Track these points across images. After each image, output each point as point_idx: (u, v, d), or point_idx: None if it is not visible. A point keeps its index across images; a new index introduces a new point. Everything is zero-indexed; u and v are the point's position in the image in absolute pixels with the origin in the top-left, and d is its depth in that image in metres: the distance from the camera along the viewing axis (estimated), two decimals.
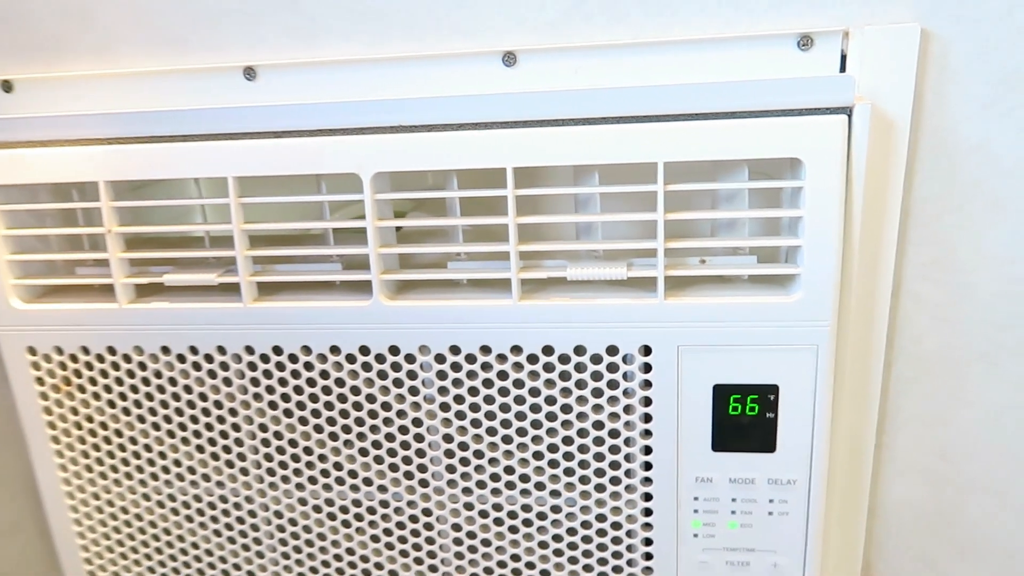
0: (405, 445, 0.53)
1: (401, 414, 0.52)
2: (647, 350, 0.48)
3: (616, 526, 0.52)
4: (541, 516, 0.53)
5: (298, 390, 0.52)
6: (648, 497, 0.51)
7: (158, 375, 0.53)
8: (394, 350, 0.50)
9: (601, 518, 0.52)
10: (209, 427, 0.54)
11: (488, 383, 0.50)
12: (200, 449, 0.55)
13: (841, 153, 0.43)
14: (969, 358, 0.52)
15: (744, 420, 0.48)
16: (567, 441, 0.51)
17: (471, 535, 0.54)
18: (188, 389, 0.53)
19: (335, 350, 0.51)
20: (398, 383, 0.51)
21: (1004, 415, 0.53)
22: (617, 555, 0.53)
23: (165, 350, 0.52)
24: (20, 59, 0.53)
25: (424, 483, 0.53)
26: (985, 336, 0.51)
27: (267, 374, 0.52)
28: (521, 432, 0.51)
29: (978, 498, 0.56)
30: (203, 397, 0.53)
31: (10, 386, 0.55)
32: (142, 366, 0.53)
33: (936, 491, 0.56)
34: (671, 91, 0.44)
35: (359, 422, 0.52)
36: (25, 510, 0.68)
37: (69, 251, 0.54)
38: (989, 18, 0.44)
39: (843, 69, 0.46)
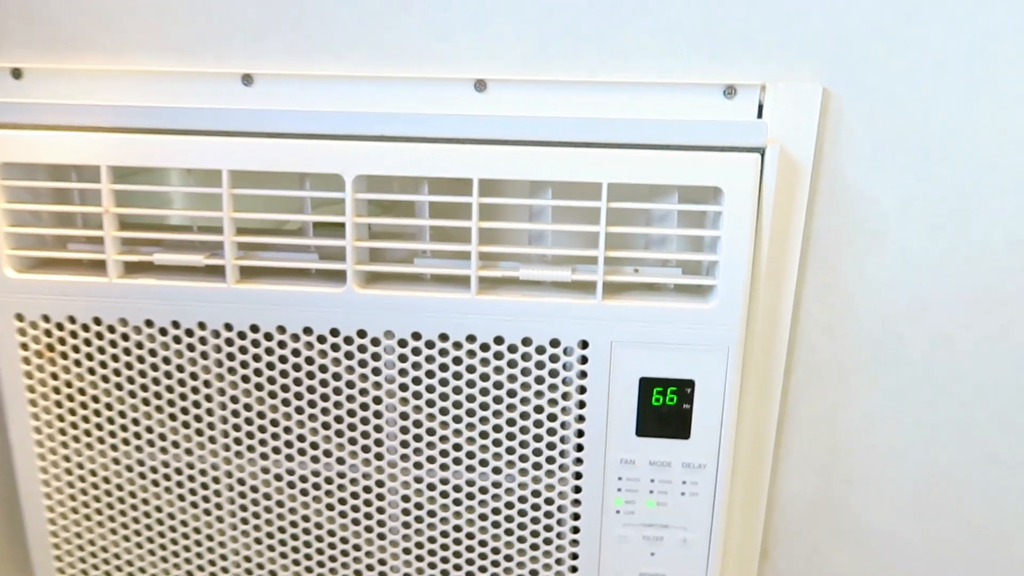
0: (364, 420, 0.58)
1: (363, 392, 0.58)
2: (585, 344, 0.55)
3: (549, 501, 0.59)
4: (483, 490, 0.59)
5: (270, 366, 0.58)
6: (579, 476, 0.58)
7: (139, 346, 0.58)
8: (362, 333, 0.56)
9: (536, 494, 0.59)
10: (183, 397, 0.59)
11: (444, 367, 0.57)
12: (172, 417, 0.60)
13: (754, 185, 0.52)
14: (853, 368, 0.61)
15: (664, 410, 0.56)
16: (510, 423, 0.58)
17: (418, 506, 0.60)
18: (167, 361, 0.58)
19: (308, 331, 0.57)
20: (363, 364, 0.57)
21: (881, 418, 0.62)
22: (548, 528, 0.60)
23: (149, 323, 0.57)
24: (32, 49, 0.58)
25: (379, 456, 0.59)
26: (866, 350, 0.60)
27: (243, 350, 0.57)
28: (470, 413, 0.57)
29: (859, 491, 0.65)
30: (180, 369, 0.58)
31: None
32: (125, 337, 0.58)
33: (824, 484, 0.65)
34: (617, 124, 0.52)
35: (324, 398, 0.58)
36: None
37: (61, 228, 0.59)
38: (878, 86, 0.54)
39: (760, 116, 0.55)
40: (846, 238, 0.58)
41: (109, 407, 0.60)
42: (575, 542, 0.60)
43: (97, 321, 0.58)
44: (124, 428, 0.60)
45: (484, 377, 0.56)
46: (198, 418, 0.59)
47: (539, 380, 0.56)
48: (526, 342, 0.55)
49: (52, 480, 0.62)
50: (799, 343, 0.61)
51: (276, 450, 0.60)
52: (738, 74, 0.54)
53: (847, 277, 0.59)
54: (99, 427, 0.60)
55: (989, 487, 0.63)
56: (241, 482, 0.61)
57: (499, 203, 0.54)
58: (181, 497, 0.62)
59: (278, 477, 0.61)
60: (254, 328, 0.57)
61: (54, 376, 0.59)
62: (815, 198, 0.57)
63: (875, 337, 0.60)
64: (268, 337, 0.57)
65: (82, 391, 0.59)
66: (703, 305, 0.54)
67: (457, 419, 0.58)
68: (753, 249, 0.53)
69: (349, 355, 0.57)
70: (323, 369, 0.57)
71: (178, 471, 0.61)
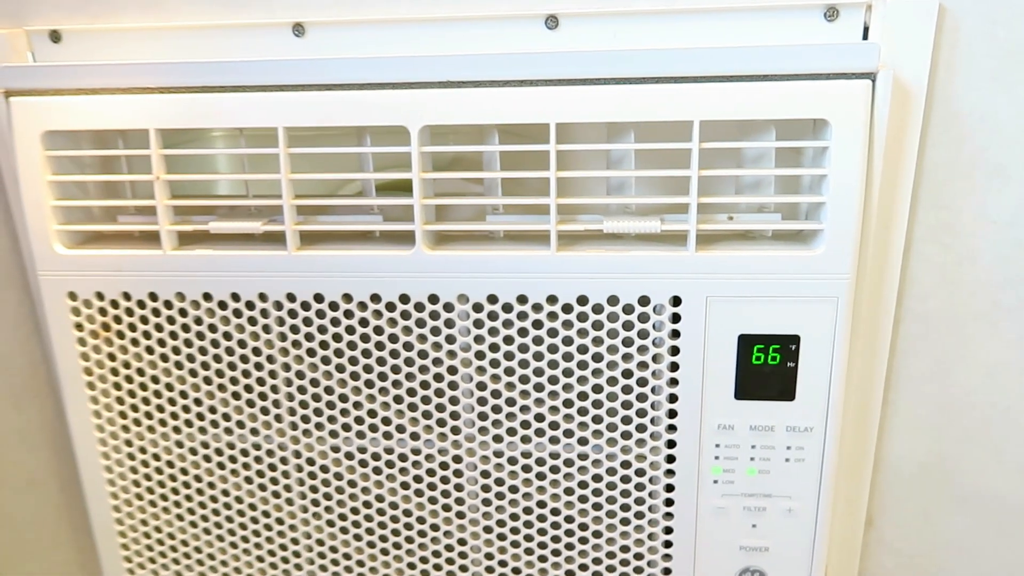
0: (439, 393, 0.55)
1: (436, 362, 0.54)
2: (677, 301, 0.50)
3: (640, 473, 0.55)
4: (568, 463, 0.55)
5: (337, 338, 0.54)
6: (672, 444, 0.54)
7: (198, 322, 0.55)
8: (433, 299, 0.52)
9: (626, 465, 0.55)
10: (246, 374, 0.56)
11: (523, 332, 0.52)
12: (236, 396, 0.56)
13: (866, 115, 0.46)
14: (969, 317, 0.55)
15: (766, 369, 0.51)
16: (596, 389, 0.53)
17: (499, 482, 0.56)
18: (227, 336, 0.55)
19: (376, 298, 0.53)
20: (435, 332, 0.53)
21: (1000, 373, 0.57)
22: (640, 501, 0.56)
23: (207, 297, 0.54)
24: (68, 10, 0.54)
25: (455, 430, 0.55)
26: (985, 297, 0.55)
27: (307, 322, 0.54)
28: (552, 380, 0.53)
29: (974, 452, 0.59)
30: (242, 344, 0.55)
31: (48, 332, 0.55)
32: (183, 313, 0.54)
33: (935, 445, 0.59)
34: (708, 53, 0.47)
35: (395, 370, 0.54)
36: (47, 464, 0.68)
37: (110, 199, 0.55)
38: None
39: (865, 40, 0.49)
40: (963, 172, 0.52)
41: (170, 387, 0.57)
42: (669, 515, 0.56)
43: (153, 296, 0.54)
44: (186, 409, 0.57)
45: (567, 341, 0.52)
46: (263, 396, 0.56)
47: (627, 342, 0.52)
48: (612, 301, 0.51)
49: (115, 466, 0.59)
50: (909, 290, 0.55)
51: (346, 427, 0.56)
52: None
53: (964, 215, 0.53)
54: (160, 409, 0.57)
55: None
56: (310, 462, 0.58)
57: (579, 150, 0.49)
58: (248, 480, 0.59)
59: (349, 456, 0.57)
60: (318, 298, 0.53)
61: (111, 356, 0.56)
62: (928, 129, 0.51)
63: (995, 281, 0.54)
64: (333, 307, 0.53)
65: (141, 371, 0.56)
66: (809, 252, 0.49)
67: (538, 388, 0.54)
68: (864, 187, 0.48)
69: (420, 323, 0.53)
70: (393, 339, 0.53)
71: (244, 452, 0.58)
